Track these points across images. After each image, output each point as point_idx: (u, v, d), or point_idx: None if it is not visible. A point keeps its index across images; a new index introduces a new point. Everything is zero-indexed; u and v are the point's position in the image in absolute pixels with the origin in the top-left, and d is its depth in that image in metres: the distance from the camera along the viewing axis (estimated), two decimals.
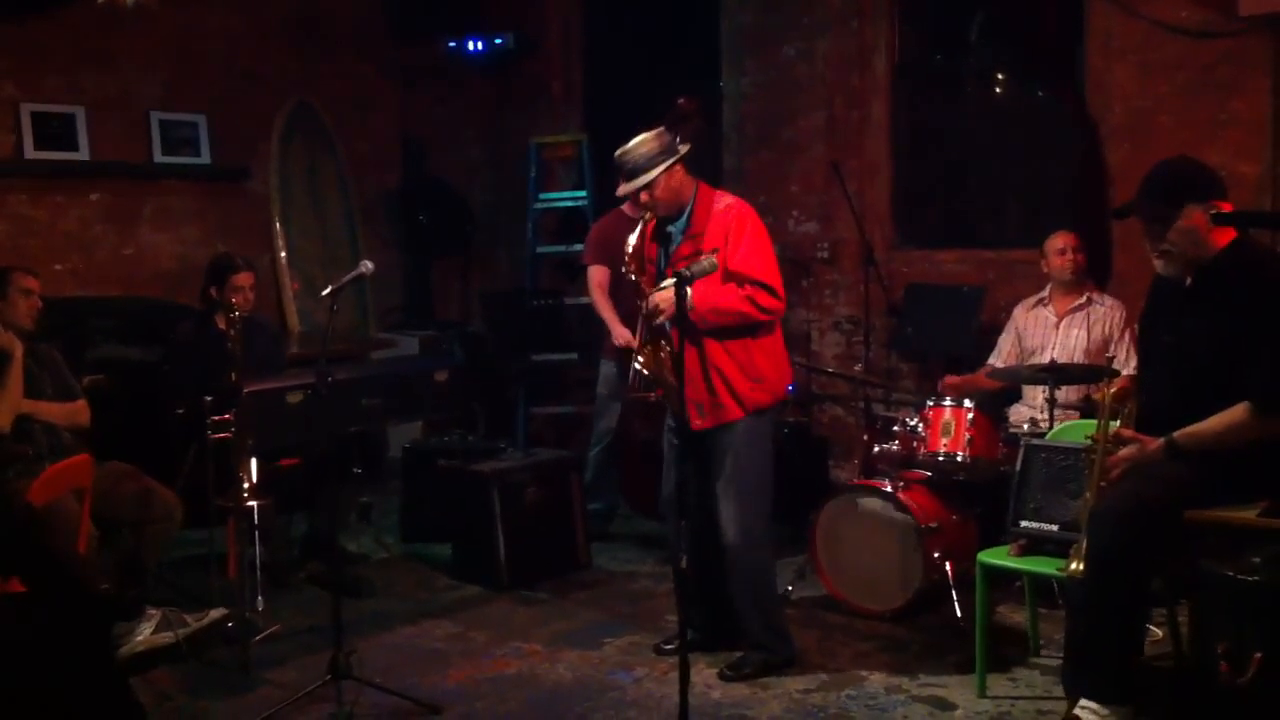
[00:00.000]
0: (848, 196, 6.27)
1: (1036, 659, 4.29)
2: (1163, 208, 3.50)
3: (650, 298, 4.04)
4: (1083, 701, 3.41)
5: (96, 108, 6.60)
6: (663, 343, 4.09)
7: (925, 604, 4.72)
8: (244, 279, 5.11)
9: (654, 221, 4.16)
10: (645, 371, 4.11)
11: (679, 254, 4.09)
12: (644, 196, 4.09)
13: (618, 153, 4.11)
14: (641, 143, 4.07)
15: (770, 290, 4.05)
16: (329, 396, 4.03)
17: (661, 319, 4.01)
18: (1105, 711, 3.37)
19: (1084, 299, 5.25)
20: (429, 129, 8.21)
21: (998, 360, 5.41)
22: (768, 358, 4.17)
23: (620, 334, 5.46)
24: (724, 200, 4.17)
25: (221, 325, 5.03)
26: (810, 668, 4.27)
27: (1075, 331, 5.21)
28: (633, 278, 4.14)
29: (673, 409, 4.10)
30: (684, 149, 4.11)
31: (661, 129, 4.14)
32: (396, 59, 8.00)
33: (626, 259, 4.12)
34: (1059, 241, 5.26)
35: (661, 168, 4.04)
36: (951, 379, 5.32)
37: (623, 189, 4.14)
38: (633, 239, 4.12)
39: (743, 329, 4.09)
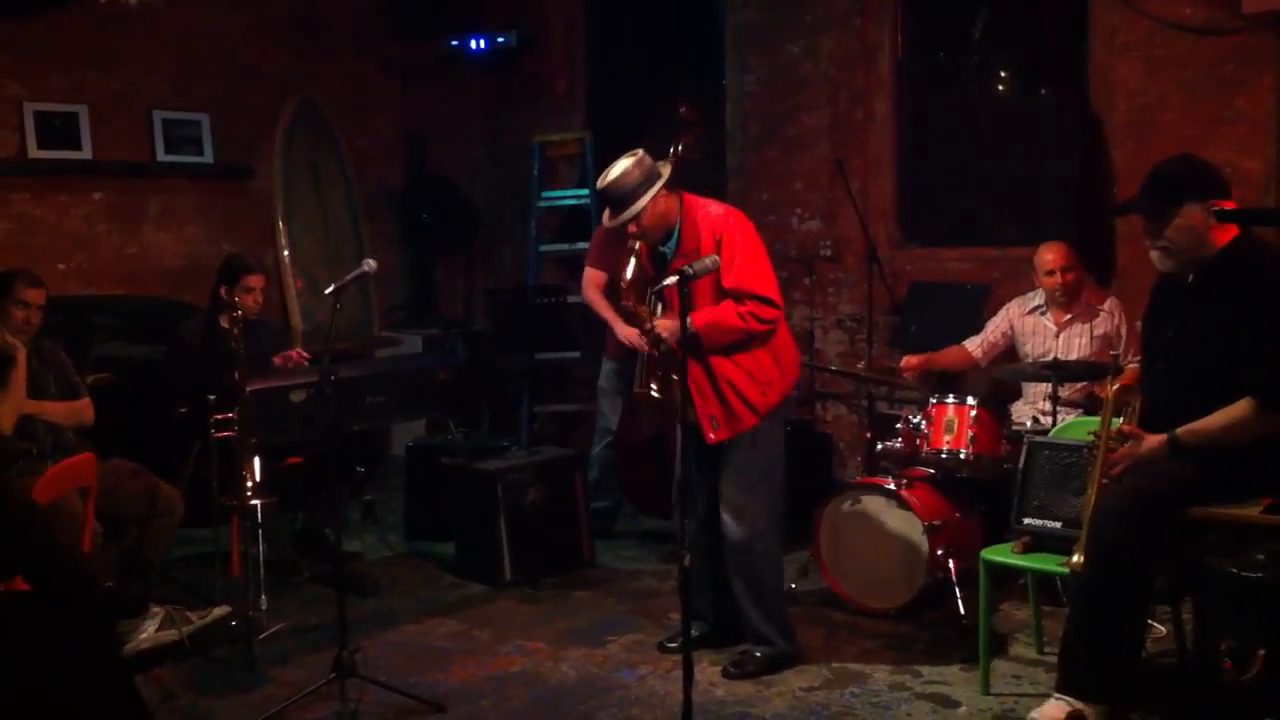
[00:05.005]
0: (851, 194, 6.25)
1: (1040, 656, 4.28)
2: (1161, 205, 3.50)
3: (652, 327, 4.01)
4: (1055, 695, 3.42)
5: (100, 106, 6.61)
6: (673, 372, 4.05)
7: (929, 601, 4.72)
8: (255, 280, 5.16)
9: (646, 248, 4.13)
10: (658, 396, 4.05)
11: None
12: (631, 228, 4.05)
13: (600, 184, 4.07)
14: (624, 174, 4.00)
15: (768, 302, 4.02)
16: (332, 395, 4.03)
17: (666, 344, 4.01)
18: (1079, 705, 3.35)
19: (1082, 307, 5.19)
20: (431, 126, 8.20)
21: (977, 347, 5.35)
22: (775, 360, 4.15)
23: (625, 332, 5.30)
24: (712, 210, 4.10)
25: (225, 324, 5.04)
26: (814, 665, 4.27)
27: (1077, 341, 5.15)
28: (632, 307, 4.10)
29: (684, 422, 4.09)
30: (665, 171, 4.06)
31: (641, 153, 4.06)
32: (398, 56, 8.00)
33: (624, 289, 4.09)
34: (1047, 261, 5.13)
35: (647, 197, 3.98)
36: (910, 359, 5.24)
37: (611, 221, 4.09)
38: (629, 270, 4.09)
39: (748, 340, 4.07)
